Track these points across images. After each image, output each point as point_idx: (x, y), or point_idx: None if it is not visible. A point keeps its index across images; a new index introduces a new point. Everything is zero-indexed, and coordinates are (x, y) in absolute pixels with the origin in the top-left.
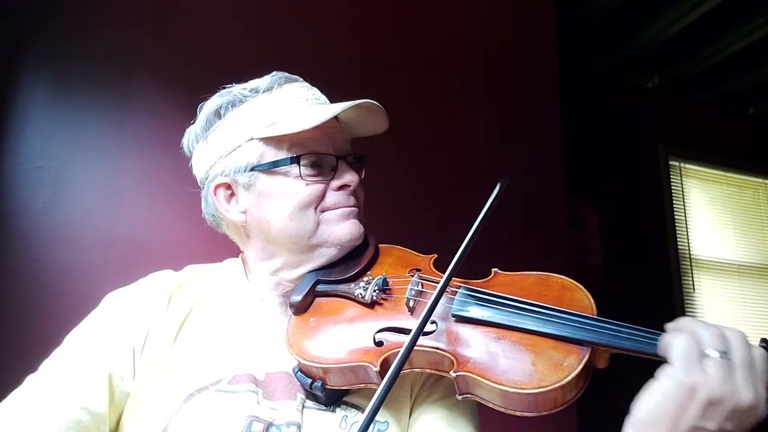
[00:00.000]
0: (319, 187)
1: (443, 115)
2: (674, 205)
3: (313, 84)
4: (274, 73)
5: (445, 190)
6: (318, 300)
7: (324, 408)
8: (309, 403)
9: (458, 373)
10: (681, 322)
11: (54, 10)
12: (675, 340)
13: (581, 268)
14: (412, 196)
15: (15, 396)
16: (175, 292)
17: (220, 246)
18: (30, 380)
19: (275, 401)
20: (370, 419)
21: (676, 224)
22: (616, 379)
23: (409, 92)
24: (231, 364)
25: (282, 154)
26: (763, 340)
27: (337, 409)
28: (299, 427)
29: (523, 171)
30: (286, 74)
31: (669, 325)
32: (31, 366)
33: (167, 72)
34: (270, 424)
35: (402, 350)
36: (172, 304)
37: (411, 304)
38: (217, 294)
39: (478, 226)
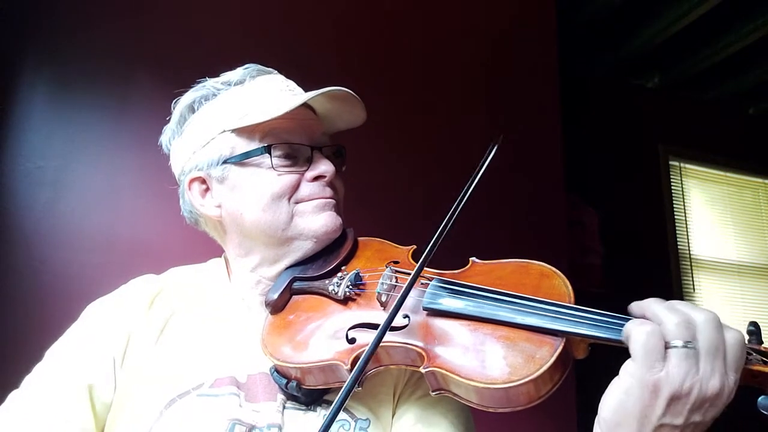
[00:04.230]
0: (293, 177)
1: (443, 114)
2: (674, 205)
3: (312, 82)
4: (247, 65)
5: (443, 191)
6: (295, 297)
7: (304, 408)
8: (289, 403)
9: (427, 369)
10: (645, 304)
11: (54, 10)
12: (635, 331)
13: (581, 268)
14: (411, 196)
15: (0, 414)
16: (157, 297)
17: (217, 244)
18: (13, 398)
19: (257, 403)
20: (333, 416)
21: (676, 224)
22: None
23: (409, 92)
24: (213, 367)
25: (254, 145)
26: (752, 323)
27: (318, 408)
28: (280, 428)
29: (523, 171)
30: (260, 66)
31: (632, 307)
32: (30, 366)
33: (166, 72)
34: (252, 427)
35: (368, 347)
36: (153, 309)
37: (383, 298)
38: (199, 296)
39: (460, 199)
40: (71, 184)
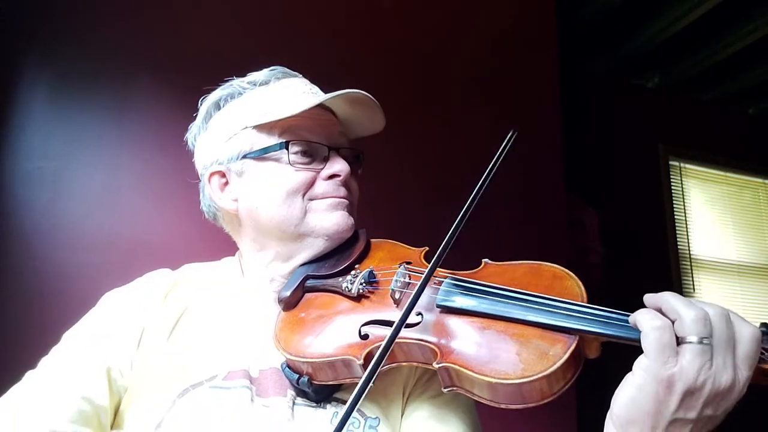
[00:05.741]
0: (308, 174)
1: (443, 114)
2: (674, 205)
3: (312, 82)
4: (273, 67)
5: (444, 191)
6: (307, 295)
7: (314, 405)
8: (299, 400)
9: (441, 365)
10: (662, 297)
11: (54, 10)
12: (648, 327)
13: (581, 268)
14: (412, 196)
15: (16, 390)
16: (171, 291)
17: (219, 244)
18: (30, 375)
19: (267, 398)
20: (350, 410)
21: (676, 224)
22: (617, 371)
23: (409, 92)
24: (226, 360)
25: (273, 141)
26: (763, 324)
27: (328, 406)
28: (290, 423)
29: (523, 171)
30: (286, 69)
31: (647, 298)
32: (31, 365)
33: (166, 72)
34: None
35: (384, 342)
36: (168, 301)
37: (397, 296)
38: (213, 291)
39: (474, 198)
40: (71, 184)
